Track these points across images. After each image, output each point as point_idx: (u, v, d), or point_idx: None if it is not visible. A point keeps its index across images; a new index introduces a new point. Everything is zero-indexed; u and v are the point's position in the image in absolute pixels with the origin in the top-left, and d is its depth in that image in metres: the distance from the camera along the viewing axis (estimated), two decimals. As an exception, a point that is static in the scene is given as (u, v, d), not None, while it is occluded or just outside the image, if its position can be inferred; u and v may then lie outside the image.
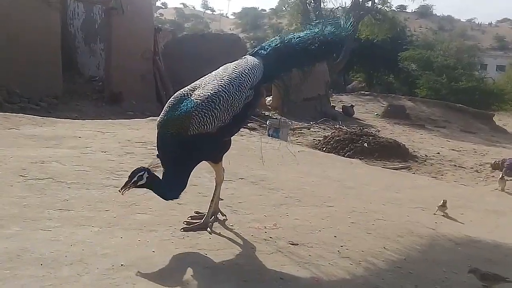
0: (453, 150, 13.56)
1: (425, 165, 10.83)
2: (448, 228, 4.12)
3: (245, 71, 2.97)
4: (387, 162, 10.33)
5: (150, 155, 3.69)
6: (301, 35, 3.40)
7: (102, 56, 15.82)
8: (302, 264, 2.76)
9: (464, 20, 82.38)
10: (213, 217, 3.19)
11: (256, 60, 3.16)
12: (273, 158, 5.26)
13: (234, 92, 2.82)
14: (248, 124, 10.51)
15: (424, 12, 72.43)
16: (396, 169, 8.95)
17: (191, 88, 2.85)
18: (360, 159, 9.73)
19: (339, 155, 9.75)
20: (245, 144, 6.18)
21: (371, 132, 13.19)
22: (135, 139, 5.38)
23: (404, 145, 12.05)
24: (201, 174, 3.96)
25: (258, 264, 2.70)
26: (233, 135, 3.09)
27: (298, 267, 2.71)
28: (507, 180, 6.82)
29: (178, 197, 2.84)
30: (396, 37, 29.51)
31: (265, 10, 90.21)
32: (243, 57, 3.27)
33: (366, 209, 4.22)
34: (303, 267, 2.73)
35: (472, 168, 10.76)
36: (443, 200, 4.54)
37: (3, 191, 3.22)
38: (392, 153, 11.00)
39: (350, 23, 3.51)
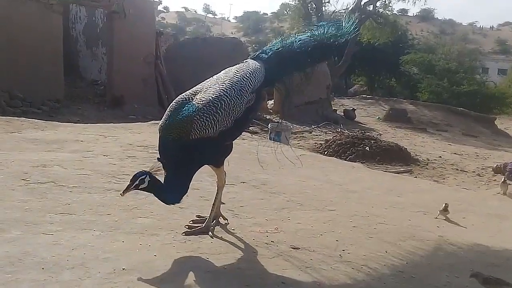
0: (455, 154, 13.52)
1: (427, 169, 10.79)
2: (450, 232, 4.09)
3: (246, 75, 2.97)
4: (388, 166, 10.30)
5: (152, 159, 3.69)
6: (303, 38, 3.38)
7: (104, 60, 15.89)
8: (304, 269, 2.74)
9: (466, 24, 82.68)
10: (214, 221, 3.19)
11: (258, 64, 3.16)
12: (274, 162, 5.25)
13: (236, 96, 2.82)
14: (250, 128, 10.50)
15: (426, 15, 72.68)
16: (398, 173, 8.92)
17: (193, 92, 2.85)
18: (361, 162, 9.69)
19: (340, 158, 9.72)
20: (247, 147, 6.18)
21: (373, 136, 13.15)
22: (137, 143, 5.39)
23: (406, 148, 12.01)
24: (203, 178, 3.94)
25: (259, 268, 2.69)
26: (235, 139, 3.09)
27: (300, 272, 2.70)
28: (509, 184, 6.79)
29: (180, 201, 2.84)
30: (397, 40, 29.55)
31: (266, 14, 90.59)
32: (244, 60, 3.27)
33: (368, 213, 4.21)
34: (305, 271, 2.72)
35: (474, 172, 10.72)
36: (445, 204, 4.52)
37: (5, 195, 3.23)
38: (394, 157, 10.97)
39: (353, 25, 3.49)
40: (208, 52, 15.33)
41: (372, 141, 11.53)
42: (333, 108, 19.46)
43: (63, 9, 13.64)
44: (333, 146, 11.36)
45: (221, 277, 2.52)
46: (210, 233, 3.05)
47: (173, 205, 2.91)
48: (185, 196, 2.84)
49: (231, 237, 3.09)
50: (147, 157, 4.63)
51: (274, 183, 4.68)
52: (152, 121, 7.31)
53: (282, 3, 31.79)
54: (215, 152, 2.92)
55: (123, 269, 2.40)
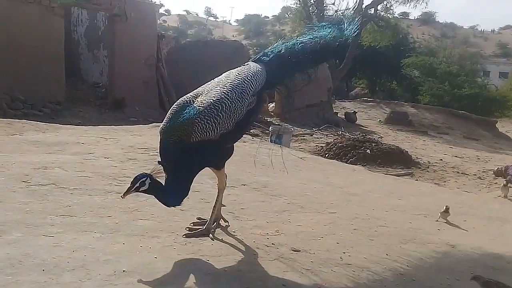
0: (456, 156, 13.53)
1: (428, 171, 10.80)
2: (451, 235, 4.08)
3: (247, 78, 2.97)
4: (389, 169, 10.30)
5: (153, 161, 3.69)
6: (304, 40, 3.36)
7: (105, 62, 15.96)
8: (304, 271, 2.74)
9: (467, 27, 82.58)
10: (215, 223, 3.18)
11: (259, 67, 3.16)
12: (275, 164, 5.25)
13: (237, 99, 2.81)
14: (251, 130, 10.51)
15: (427, 19, 72.70)
16: (399, 176, 8.91)
17: (194, 95, 2.85)
18: (362, 165, 9.70)
19: (341, 161, 9.73)
20: (248, 150, 6.18)
21: (374, 139, 13.16)
22: (138, 145, 5.39)
23: (407, 151, 12.01)
24: (203, 180, 3.95)
25: (260, 270, 2.68)
26: (236, 141, 3.08)
27: (300, 274, 2.70)
28: (510, 187, 6.78)
29: (180, 203, 2.83)
30: (398, 44, 29.54)
31: (268, 17, 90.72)
32: (245, 63, 3.27)
33: (369, 216, 4.20)
34: (305, 274, 2.71)
35: (475, 175, 10.72)
36: (446, 206, 4.51)
37: (6, 197, 3.22)
38: (395, 160, 10.98)
39: (355, 26, 3.48)
40: (209, 55, 15.38)
41: (373, 144, 11.55)
42: (334, 111, 19.48)
43: (65, 12, 13.71)
44: (334, 148, 11.37)
45: (222, 279, 2.50)
46: (210, 235, 3.04)
47: (173, 207, 2.91)
48: (185, 198, 2.83)
49: (232, 239, 3.08)
50: (148, 160, 4.63)
51: (275, 186, 4.68)
52: (153, 124, 7.32)
53: (284, 6, 31.79)
54: (216, 154, 2.92)
55: (124, 271, 2.40)
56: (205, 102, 2.75)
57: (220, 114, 2.72)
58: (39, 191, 3.42)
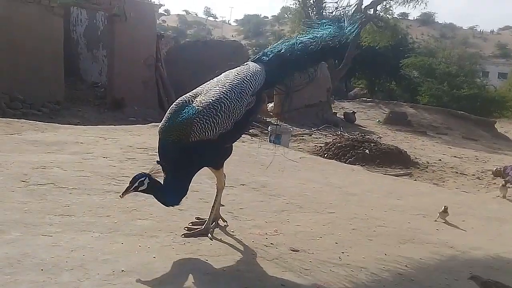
0: (454, 157, 13.54)
1: (426, 172, 10.80)
2: (450, 235, 4.09)
3: (246, 78, 2.96)
4: (388, 169, 10.31)
5: (152, 161, 3.68)
6: (304, 40, 3.35)
7: (104, 62, 15.94)
8: (303, 271, 2.74)
9: (466, 28, 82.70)
10: (214, 223, 3.18)
11: (258, 67, 3.15)
12: (274, 164, 5.25)
13: (236, 99, 2.81)
14: (250, 130, 10.51)
15: (426, 19, 72.75)
16: (398, 176, 8.91)
17: (193, 95, 2.85)
18: (361, 165, 9.70)
19: (340, 161, 9.72)
20: (247, 150, 6.18)
21: (373, 139, 13.17)
22: (137, 145, 5.39)
23: (406, 151, 12.02)
24: (202, 180, 3.94)
25: (259, 270, 2.68)
26: (235, 141, 3.08)
27: (299, 274, 2.70)
28: (509, 187, 6.79)
29: (179, 203, 2.83)
30: (398, 44, 29.55)
31: (267, 17, 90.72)
32: (245, 63, 3.26)
33: (368, 216, 4.21)
34: (304, 273, 2.71)
35: (473, 175, 10.73)
36: (444, 206, 4.51)
37: (5, 197, 3.22)
38: (394, 160, 10.98)
39: (355, 26, 3.47)
40: (208, 55, 15.36)
41: (372, 144, 11.56)
42: (333, 111, 19.48)
43: (64, 12, 13.69)
44: (333, 149, 11.38)
45: (220, 279, 2.50)
46: (209, 235, 3.04)
47: (172, 207, 2.91)
48: (184, 198, 2.83)
49: (231, 239, 3.08)
50: (147, 159, 4.62)
51: (274, 186, 4.67)
52: (152, 123, 7.30)
53: (283, 7, 31.83)
54: (215, 154, 2.92)
55: (122, 270, 2.39)
56: (204, 102, 2.74)
57: (219, 114, 2.72)
58: (37, 191, 3.41)
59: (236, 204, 3.83)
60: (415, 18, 68.91)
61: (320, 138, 14.20)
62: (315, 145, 12.61)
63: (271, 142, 9.32)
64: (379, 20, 24.00)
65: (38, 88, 12.02)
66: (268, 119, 14.66)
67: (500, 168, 10.01)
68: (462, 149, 15.65)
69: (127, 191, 2.63)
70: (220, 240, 3.03)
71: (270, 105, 16.00)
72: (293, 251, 3.02)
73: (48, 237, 2.68)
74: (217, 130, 2.72)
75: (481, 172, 10.94)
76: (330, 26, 3.48)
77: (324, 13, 22.92)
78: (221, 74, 3.06)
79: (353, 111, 19.95)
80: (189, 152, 2.70)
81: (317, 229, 3.56)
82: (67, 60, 13.74)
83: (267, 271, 2.68)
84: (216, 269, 2.60)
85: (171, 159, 2.72)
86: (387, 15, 24.42)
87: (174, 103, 2.84)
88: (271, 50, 3.35)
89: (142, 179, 2.64)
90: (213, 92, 2.81)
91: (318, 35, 3.39)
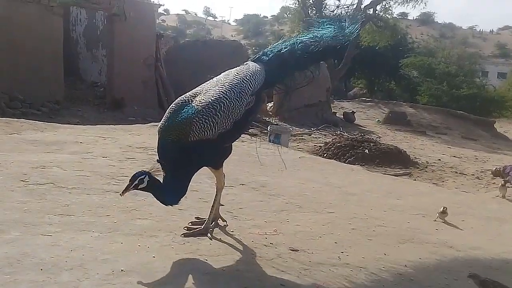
0: (454, 156, 13.54)
1: (426, 171, 10.80)
2: (449, 235, 4.08)
3: (246, 77, 2.96)
4: (388, 169, 10.31)
5: (151, 161, 3.69)
6: (304, 40, 3.34)
7: (104, 62, 15.94)
8: (303, 271, 2.73)
9: (466, 28, 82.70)
10: (213, 223, 3.18)
11: (258, 66, 3.15)
12: (274, 164, 5.25)
13: (235, 99, 2.80)
14: (249, 130, 10.51)
15: (426, 19, 72.77)
16: (397, 176, 8.92)
17: (192, 94, 2.84)
18: (361, 165, 9.70)
19: (340, 161, 9.72)
20: (246, 150, 6.17)
21: (372, 139, 13.17)
22: (136, 145, 5.38)
23: (405, 151, 12.02)
24: (202, 180, 3.94)
25: (258, 270, 2.68)
26: (234, 141, 3.08)
27: (299, 274, 2.69)
28: (509, 187, 6.80)
29: (178, 202, 2.83)
30: (397, 44, 29.52)
31: (267, 17, 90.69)
32: (245, 63, 3.25)
33: (367, 216, 4.20)
34: (304, 273, 2.71)
35: (473, 175, 10.73)
36: (443, 207, 4.52)
37: (4, 196, 3.22)
38: (393, 160, 10.98)
39: (356, 26, 3.45)
40: (208, 54, 15.38)
41: (372, 144, 11.56)
42: (333, 110, 19.47)
43: (64, 11, 13.69)
44: (332, 148, 11.38)
45: (220, 279, 2.49)
46: (209, 235, 3.04)
47: (171, 207, 2.91)
48: (183, 197, 2.83)
49: (230, 239, 3.08)
50: (146, 159, 4.62)
51: (273, 185, 4.67)
52: (152, 123, 7.30)
53: (283, 6, 31.78)
54: (214, 154, 2.91)
55: (122, 270, 2.39)
56: (203, 101, 2.74)
57: (219, 114, 2.71)
58: (37, 190, 3.40)
59: (236, 204, 3.82)
60: (415, 18, 68.94)
61: (319, 138, 14.20)
62: (315, 145, 12.61)
63: (270, 142, 9.32)
64: (379, 19, 24.02)
65: (38, 87, 12.02)
66: (267, 119, 14.66)
67: (500, 167, 10.03)
68: (462, 149, 15.65)
69: (127, 189, 2.62)
70: (220, 240, 3.02)
71: (270, 104, 16.00)
72: (293, 250, 3.01)
73: (47, 237, 2.67)
74: (216, 129, 2.71)
75: (481, 172, 10.94)
76: (331, 26, 3.46)
77: (324, 13, 22.91)
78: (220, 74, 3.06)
79: (353, 111, 19.93)
80: (189, 152, 2.69)
81: (316, 229, 3.55)
82: (66, 59, 13.75)
83: (267, 271, 2.67)
84: (216, 269, 2.59)
85: (171, 159, 2.71)
86: (387, 15, 24.43)
87: (174, 103, 2.84)
88: (271, 50, 3.34)
89: (142, 177, 2.63)
90: (212, 92, 2.80)
91: (318, 35, 3.38)
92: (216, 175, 3.16)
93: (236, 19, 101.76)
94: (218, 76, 3.03)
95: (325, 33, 3.39)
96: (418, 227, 4.20)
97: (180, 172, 2.75)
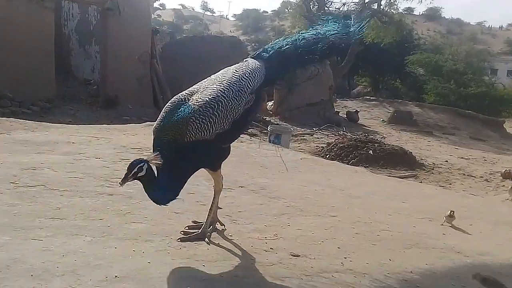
0: (462, 158, 13.45)
1: (432, 173, 10.73)
2: (457, 240, 4.02)
3: (245, 75, 2.91)
4: (393, 171, 10.23)
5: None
6: (307, 37, 3.28)
7: (97, 58, 15.77)
8: (304, 277, 2.69)
9: (474, 23, 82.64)
10: (211, 226, 3.13)
11: (258, 63, 3.10)
12: (274, 165, 5.20)
13: (234, 97, 2.75)
14: (249, 130, 10.44)
15: (432, 15, 72.66)
16: (403, 178, 8.87)
17: (189, 93, 2.79)
18: (365, 167, 9.67)
19: (343, 162, 9.68)
20: (245, 150, 6.17)
21: (377, 139, 13.07)
22: (131, 145, 5.35)
23: (411, 152, 11.94)
24: (199, 182, 3.92)
25: (258, 276, 2.64)
26: (233, 141, 3.02)
27: (300, 280, 2.65)
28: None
29: (167, 203, 2.74)
30: (403, 40, 29.26)
31: (266, 12, 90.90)
32: (244, 60, 3.21)
33: (371, 220, 4.14)
34: (305, 280, 2.66)
35: (481, 177, 10.65)
36: (451, 211, 4.44)
37: (-7, 199, 3.18)
38: (398, 161, 10.89)
39: (361, 25, 3.39)
40: (205, 51, 15.31)
41: (376, 145, 11.45)
42: (336, 110, 19.44)
43: (55, 6, 13.43)
44: (335, 149, 11.29)
45: (218, 285, 2.46)
46: (206, 239, 3.00)
47: (168, 210, 2.85)
48: (179, 200, 2.78)
49: (229, 243, 3.04)
50: (141, 160, 4.57)
51: (274, 188, 4.63)
52: (147, 123, 7.32)
53: (283, 1, 31.72)
54: (212, 155, 2.86)
55: (116, 276, 2.36)
56: (200, 100, 2.69)
57: (216, 113, 2.66)
58: (27, 193, 3.36)
59: (234, 207, 3.78)
60: (421, 13, 68.94)
61: (322, 138, 14.14)
62: (317, 146, 12.56)
63: (270, 142, 9.25)
64: (384, 15, 23.80)
65: (28, 85, 11.75)
66: (268, 118, 14.61)
67: (509, 169, 9.94)
68: (470, 150, 15.58)
69: (126, 178, 2.53)
70: (218, 245, 2.99)
71: (270, 103, 15.93)
72: (294, 256, 2.97)
73: (38, 241, 2.64)
74: (214, 129, 2.67)
75: (489, 174, 10.87)
76: (335, 23, 3.42)
77: (326, 8, 22.78)
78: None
79: (356, 110, 19.87)
80: (185, 153, 2.64)
81: (318, 233, 3.50)
82: (58, 56, 13.53)
83: (266, 277, 2.63)
84: (213, 275, 2.56)
85: (166, 159, 2.63)
86: (392, 10, 24.20)
87: (170, 102, 2.80)
88: (272, 47, 3.30)
89: (141, 164, 2.54)
90: (210, 90, 2.75)
91: (322, 32, 3.33)
92: (214, 177, 3.11)
93: (235, 14, 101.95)
94: (216, 74, 2.98)
95: (328, 30, 3.34)
96: (425, 231, 4.13)
97: (176, 172, 2.68)
